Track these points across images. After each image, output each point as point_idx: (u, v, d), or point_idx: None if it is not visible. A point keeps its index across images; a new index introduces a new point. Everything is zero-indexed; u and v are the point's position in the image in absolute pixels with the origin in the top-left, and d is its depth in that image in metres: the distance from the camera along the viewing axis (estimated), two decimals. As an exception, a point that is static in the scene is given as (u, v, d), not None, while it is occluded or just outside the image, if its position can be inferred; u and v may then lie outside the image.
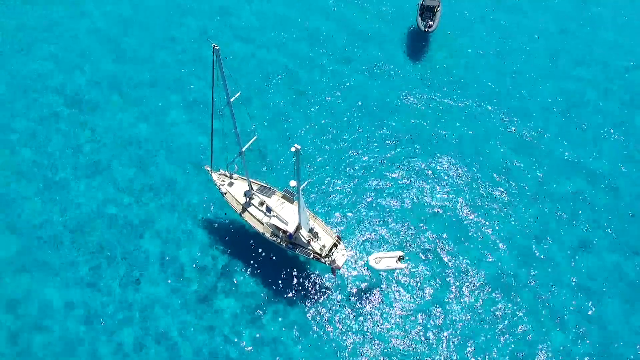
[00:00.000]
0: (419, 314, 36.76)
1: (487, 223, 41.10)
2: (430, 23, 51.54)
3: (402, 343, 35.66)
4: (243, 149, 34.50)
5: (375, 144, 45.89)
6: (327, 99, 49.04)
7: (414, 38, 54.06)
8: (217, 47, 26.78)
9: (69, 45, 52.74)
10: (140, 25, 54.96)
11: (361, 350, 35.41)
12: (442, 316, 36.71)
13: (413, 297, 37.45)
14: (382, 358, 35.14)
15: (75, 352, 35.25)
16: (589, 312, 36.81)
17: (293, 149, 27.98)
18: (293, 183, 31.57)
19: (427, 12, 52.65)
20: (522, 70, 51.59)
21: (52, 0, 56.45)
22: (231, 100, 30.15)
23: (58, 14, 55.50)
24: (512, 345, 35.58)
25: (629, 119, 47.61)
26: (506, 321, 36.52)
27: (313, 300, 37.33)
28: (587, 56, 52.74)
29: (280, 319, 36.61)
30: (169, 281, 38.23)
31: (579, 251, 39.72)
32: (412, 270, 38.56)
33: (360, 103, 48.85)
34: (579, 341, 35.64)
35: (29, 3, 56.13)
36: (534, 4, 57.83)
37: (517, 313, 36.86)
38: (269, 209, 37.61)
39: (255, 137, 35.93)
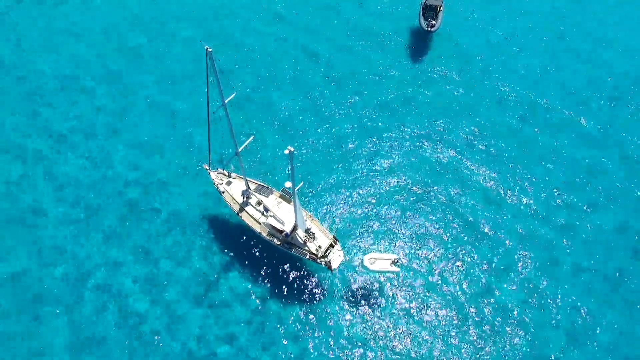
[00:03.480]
0: (413, 317, 36.76)
1: (487, 227, 40.97)
2: (433, 22, 51.28)
3: (394, 345, 35.67)
4: (239, 150, 34.52)
5: (375, 146, 45.79)
6: (326, 98, 48.98)
7: (417, 37, 53.77)
8: (210, 50, 26.78)
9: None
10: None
11: (354, 351, 35.47)
12: (437, 320, 36.69)
13: (406, 301, 37.40)
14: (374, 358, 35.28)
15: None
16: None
17: (287, 152, 28.00)
18: (288, 184, 31.60)
19: (430, 11, 52.39)
20: (525, 68, 51.17)
21: None
22: (226, 101, 30.18)
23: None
24: (511, 350, 35.56)
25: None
26: (502, 325, 36.50)
27: (307, 300, 37.41)
28: (590, 54, 52.40)
29: (273, 318, 36.74)
30: (165, 282, 38.51)
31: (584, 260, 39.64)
32: (406, 273, 38.49)
33: (360, 104, 48.70)
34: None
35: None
36: (537, 4, 57.26)
37: (516, 316, 36.85)
38: (266, 209, 37.68)
39: (252, 137, 35.94)
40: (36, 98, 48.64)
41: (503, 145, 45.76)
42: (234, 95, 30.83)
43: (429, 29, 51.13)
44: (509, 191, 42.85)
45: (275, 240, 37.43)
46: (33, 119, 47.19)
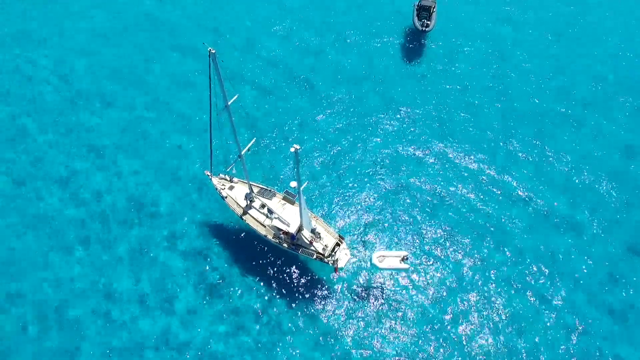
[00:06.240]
0: (422, 316, 36.70)
1: (493, 225, 41.09)
2: (428, 23, 51.80)
3: (405, 344, 35.63)
4: (242, 152, 34.58)
5: (376, 144, 46.03)
6: (325, 100, 49.30)
7: (412, 38, 54.33)
8: (214, 51, 26.84)
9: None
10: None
11: (364, 350, 35.39)
12: (446, 317, 36.62)
13: (416, 298, 37.34)
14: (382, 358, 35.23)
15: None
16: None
17: (292, 150, 28.01)
18: (293, 184, 31.63)
19: (424, 12, 52.94)
20: (519, 66, 51.70)
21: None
22: (229, 103, 30.24)
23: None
24: (521, 347, 35.65)
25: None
26: (512, 324, 36.53)
27: (316, 301, 37.33)
28: (582, 58, 52.99)
29: (281, 318, 36.65)
30: (170, 285, 38.43)
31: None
32: (416, 271, 38.48)
33: (359, 103, 49.03)
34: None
35: None
36: (529, 3, 58.04)
37: (522, 315, 36.87)
38: (270, 211, 37.70)
39: (254, 140, 36.00)
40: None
41: (509, 139, 46.22)
42: (236, 97, 30.88)
43: (424, 29, 51.64)
44: (514, 187, 43.19)
45: (282, 243, 37.41)
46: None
